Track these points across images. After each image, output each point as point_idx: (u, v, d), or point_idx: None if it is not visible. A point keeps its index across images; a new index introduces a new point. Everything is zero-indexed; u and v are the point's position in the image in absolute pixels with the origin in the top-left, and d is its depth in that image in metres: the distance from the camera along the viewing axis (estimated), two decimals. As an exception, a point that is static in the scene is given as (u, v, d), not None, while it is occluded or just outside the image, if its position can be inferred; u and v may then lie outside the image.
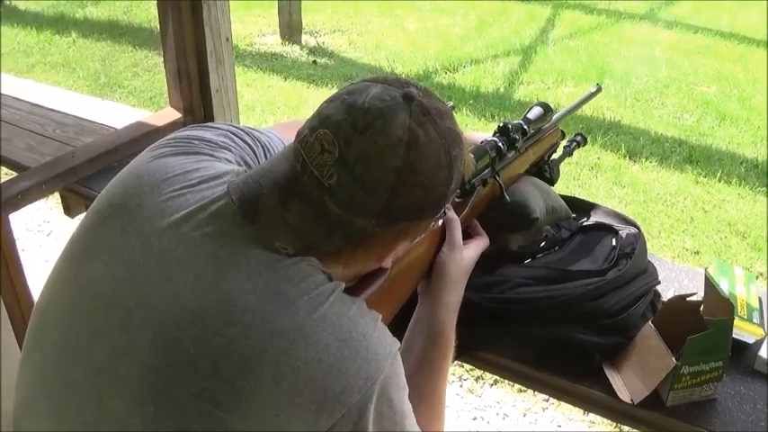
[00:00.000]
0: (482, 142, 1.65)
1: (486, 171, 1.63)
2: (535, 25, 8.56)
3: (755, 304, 1.75)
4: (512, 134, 1.69)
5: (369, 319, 1.23)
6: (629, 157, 5.28)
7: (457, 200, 1.60)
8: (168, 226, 1.24)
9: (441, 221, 1.52)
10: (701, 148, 5.49)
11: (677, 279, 1.88)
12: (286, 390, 1.12)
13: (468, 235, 1.60)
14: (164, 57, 2.81)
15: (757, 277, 3.83)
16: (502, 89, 6.64)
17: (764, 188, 4.98)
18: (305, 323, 1.15)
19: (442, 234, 1.53)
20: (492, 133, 1.70)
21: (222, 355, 1.13)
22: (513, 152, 1.72)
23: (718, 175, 5.08)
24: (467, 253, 1.55)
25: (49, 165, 2.57)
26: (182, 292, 1.18)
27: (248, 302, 1.15)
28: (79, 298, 1.29)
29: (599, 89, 2.08)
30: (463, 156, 1.26)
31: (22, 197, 2.43)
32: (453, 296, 1.51)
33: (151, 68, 6.93)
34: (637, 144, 5.49)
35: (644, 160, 5.25)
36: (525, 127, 1.73)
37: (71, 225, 2.18)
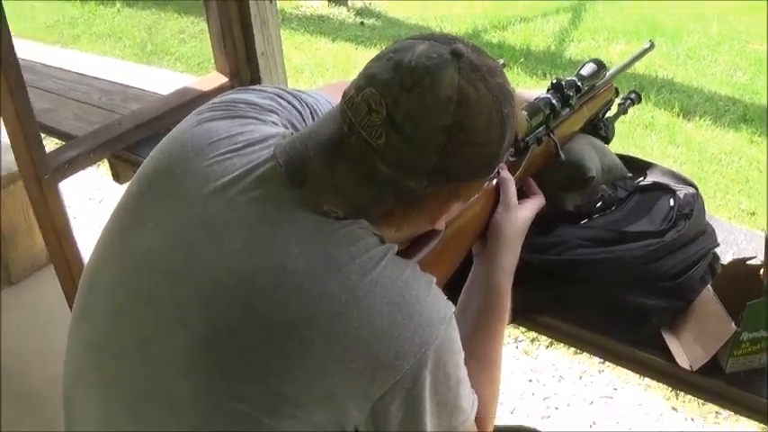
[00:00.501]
0: (535, 99, 1.61)
1: (539, 129, 1.60)
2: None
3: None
4: (565, 91, 1.64)
5: (422, 282, 1.20)
6: (683, 116, 5.17)
7: (511, 159, 1.57)
8: (214, 191, 1.22)
9: (494, 181, 1.49)
10: (755, 107, 5.35)
11: (735, 242, 1.81)
12: (338, 355, 1.10)
13: (523, 194, 1.57)
14: (207, 21, 2.80)
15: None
16: (553, 47, 6.53)
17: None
18: (357, 287, 1.13)
19: (497, 194, 1.51)
20: (545, 90, 1.66)
21: (271, 319, 1.12)
22: (567, 109, 1.68)
23: (775, 134, 4.95)
24: (522, 213, 1.52)
25: (97, 133, 2.58)
26: (229, 258, 1.17)
27: (297, 266, 1.13)
28: (127, 267, 1.28)
29: (652, 46, 2.02)
30: (515, 113, 1.22)
31: (69, 166, 2.44)
32: (509, 257, 1.48)
33: (198, 34, 6.89)
34: (690, 102, 5.36)
35: (698, 119, 5.14)
36: (579, 83, 1.69)
37: (121, 192, 2.19)
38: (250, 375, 1.13)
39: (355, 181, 1.18)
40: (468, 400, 1.25)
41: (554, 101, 1.61)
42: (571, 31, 6.88)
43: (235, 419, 1.14)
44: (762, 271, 1.50)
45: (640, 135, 4.91)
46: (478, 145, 1.17)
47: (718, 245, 1.66)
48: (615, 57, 6.15)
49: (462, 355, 1.23)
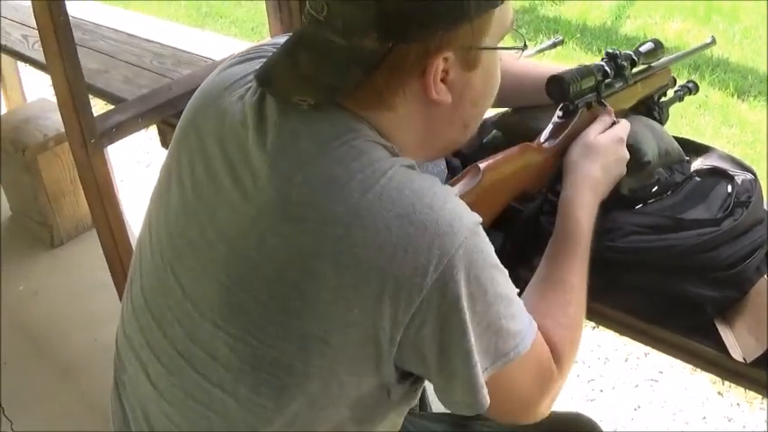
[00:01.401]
0: (589, 65, 1.58)
1: (590, 94, 1.57)
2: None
3: None
4: (619, 61, 1.62)
5: (438, 190, 1.12)
6: (738, 96, 5.09)
7: (558, 120, 1.56)
8: (229, 132, 1.22)
9: (549, 143, 1.52)
10: (814, 87, 5.25)
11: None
12: (351, 282, 1.06)
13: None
14: (262, -14, 2.78)
15: None
16: (609, 23, 6.42)
17: None
18: (359, 204, 1.07)
19: (548, 160, 1.52)
20: (601, 59, 1.63)
21: (280, 256, 1.10)
22: (621, 83, 1.66)
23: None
24: (603, 139, 1.51)
25: (146, 97, 2.57)
26: (242, 199, 1.16)
27: (301, 195, 1.10)
28: (164, 224, 1.29)
29: (713, 41, 2.00)
30: None
31: (117, 130, 2.42)
32: (587, 196, 1.45)
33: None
34: (745, 83, 5.27)
35: (752, 99, 5.07)
36: (634, 57, 1.66)
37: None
38: (273, 320, 1.11)
39: (316, 64, 1.14)
40: (520, 323, 1.17)
41: (607, 68, 1.59)
42: (628, 7, 6.76)
43: (270, 368, 1.13)
44: None
45: (693, 114, 4.84)
46: None
47: (775, 234, 1.60)
48: (671, 34, 6.09)
49: (502, 272, 1.15)
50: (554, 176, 1.52)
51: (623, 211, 1.61)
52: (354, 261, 1.05)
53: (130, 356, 1.36)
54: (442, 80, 1.17)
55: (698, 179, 1.74)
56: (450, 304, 1.07)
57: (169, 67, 2.90)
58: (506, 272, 1.17)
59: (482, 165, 1.43)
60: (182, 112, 2.27)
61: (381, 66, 1.12)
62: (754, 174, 1.72)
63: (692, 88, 1.87)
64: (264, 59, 1.26)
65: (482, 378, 1.12)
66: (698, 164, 1.81)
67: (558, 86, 1.50)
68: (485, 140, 1.79)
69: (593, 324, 1.45)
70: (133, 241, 1.59)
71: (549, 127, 1.56)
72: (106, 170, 2.38)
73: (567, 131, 1.54)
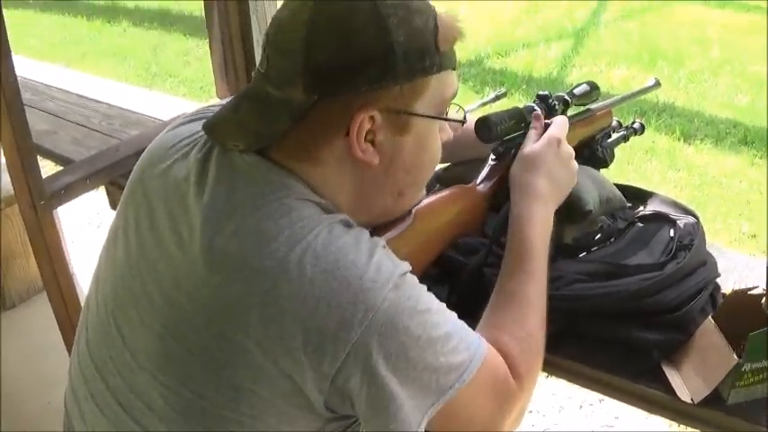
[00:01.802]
0: (516, 106, 1.60)
1: (519, 134, 1.57)
2: (587, 7, 8.40)
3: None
4: (551, 101, 1.63)
5: (364, 246, 1.14)
6: (684, 140, 5.18)
7: (492, 162, 1.58)
8: (172, 188, 1.25)
9: (484, 186, 1.53)
10: (756, 129, 5.36)
11: (736, 269, 1.78)
12: (277, 334, 1.07)
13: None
14: (210, 47, 2.81)
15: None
16: (554, 73, 6.56)
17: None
18: (286, 259, 1.08)
19: (482, 202, 1.53)
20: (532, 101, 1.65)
21: (210, 306, 1.11)
22: None
23: (775, 156, 4.97)
24: (539, 147, 1.51)
25: (94, 158, 2.58)
26: (177, 250, 1.18)
27: (230, 246, 1.12)
28: (110, 278, 1.31)
29: (657, 83, 2.00)
30: (416, 7, 1.18)
31: (66, 192, 2.42)
32: (534, 210, 1.45)
33: (202, 57, 6.95)
34: (691, 126, 5.37)
35: (699, 142, 5.16)
36: (567, 98, 1.68)
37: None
38: (203, 370, 1.12)
39: (252, 111, 1.20)
40: (464, 352, 1.16)
41: (537, 109, 1.60)
42: (573, 56, 6.93)
43: (202, 419, 1.14)
44: (763, 301, 1.48)
45: (641, 160, 4.91)
46: (345, 35, 1.13)
47: (718, 275, 1.63)
48: (617, 81, 6.22)
49: (434, 313, 1.15)
50: (498, 228, 1.52)
51: (566, 261, 1.64)
52: (280, 313, 1.07)
53: (75, 411, 1.36)
54: (371, 141, 1.19)
55: (640, 225, 1.77)
56: (378, 357, 1.08)
57: (117, 127, 2.91)
58: (442, 306, 1.18)
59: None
60: (129, 173, 2.29)
61: (307, 117, 1.16)
62: (696, 217, 1.74)
63: (637, 129, 1.88)
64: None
65: (413, 419, 1.12)
66: (640, 209, 1.84)
67: (485, 127, 1.51)
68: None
69: (545, 374, 1.46)
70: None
71: (485, 170, 1.57)
72: (56, 232, 2.36)
73: (501, 173, 1.55)
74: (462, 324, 1.20)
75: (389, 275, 1.11)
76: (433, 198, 1.47)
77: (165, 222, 1.22)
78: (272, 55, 1.16)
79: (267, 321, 1.07)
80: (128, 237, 1.28)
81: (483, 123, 1.50)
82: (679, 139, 5.19)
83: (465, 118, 1.33)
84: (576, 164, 1.54)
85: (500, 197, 1.55)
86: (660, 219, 1.77)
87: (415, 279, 1.16)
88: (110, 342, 1.27)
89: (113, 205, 2.76)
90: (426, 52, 1.18)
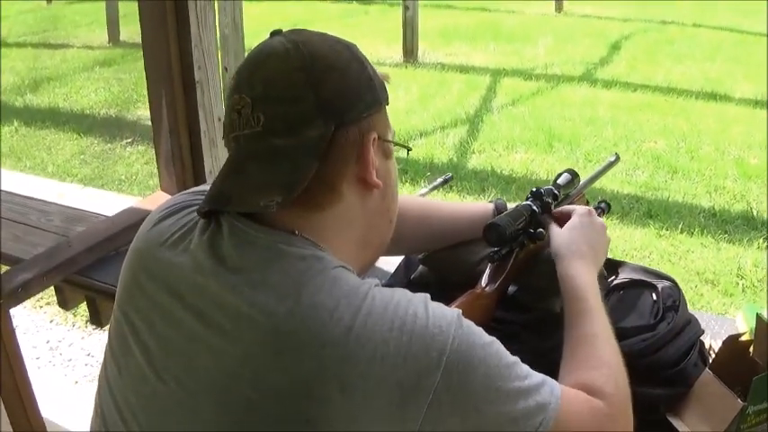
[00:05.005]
0: (516, 206, 1.68)
1: (522, 236, 1.66)
2: (477, 94, 8.73)
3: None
4: (545, 198, 1.72)
5: (416, 299, 1.18)
6: (590, 218, 5.30)
7: (494, 264, 1.65)
8: (182, 284, 1.25)
9: (488, 288, 1.61)
10: (659, 202, 5.61)
11: (708, 326, 1.90)
12: (360, 400, 1.08)
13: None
14: (155, 139, 2.82)
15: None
16: (455, 159, 6.74)
17: (725, 235, 5.13)
18: (353, 325, 1.10)
19: (492, 303, 1.61)
20: (525, 199, 1.73)
21: (282, 389, 1.10)
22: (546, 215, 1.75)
23: (680, 227, 5.20)
24: (574, 221, 1.63)
25: (48, 255, 2.53)
26: (223, 342, 1.16)
27: (290, 325, 1.12)
28: (130, 385, 1.28)
29: (617, 158, 2.13)
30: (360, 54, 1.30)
31: (23, 290, 2.37)
32: (579, 265, 1.54)
33: (99, 155, 6.90)
34: (591, 203, 5.48)
35: (605, 219, 5.23)
36: (556, 192, 1.76)
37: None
38: None
39: (266, 171, 1.21)
40: (537, 376, 1.21)
41: (534, 207, 1.68)
42: (471, 142, 7.11)
43: None
44: (751, 347, 1.61)
45: (548, 239, 5.00)
46: (341, 69, 1.23)
47: (703, 332, 1.73)
48: (517, 165, 6.40)
49: (498, 344, 1.19)
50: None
51: (561, 329, 1.69)
52: (361, 378, 1.08)
53: None
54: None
55: (620, 292, 1.85)
56: (463, 395, 1.12)
57: (58, 224, 2.86)
58: (499, 342, 1.21)
59: None
60: (83, 269, 2.25)
61: (329, 152, 1.21)
62: (673, 281, 1.84)
63: (604, 208, 1.98)
64: (190, 208, 1.33)
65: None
66: (614, 278, 1.91)
67: (495, 232, 1.58)
68: (412, 277, 1.90)
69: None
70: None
71: (488, 271, 1.65)
72: (11, 331, 2.32)
73: (505, 273, 1.64)
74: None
75: (450, 318, 1.15)
76: (454, 305, 1.52)
77: (190, 317, 1.21)
78: (267, 108, 1.19)
79: (349, 389, 1.07)
80: (143, 341, 1.26)
81: (494, 229, 1.58)
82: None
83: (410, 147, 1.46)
84: (608, 236, 1.65)
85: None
86: (639, 285, 1.85)
87: (469, 320, 1.20)
88: None
89: (63, 304, 2.73)
90: (384, 85, 1.31)
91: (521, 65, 10.23)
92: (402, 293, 1.19)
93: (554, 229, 1.64)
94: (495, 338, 1.20)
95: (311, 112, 1.18)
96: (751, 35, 11.80)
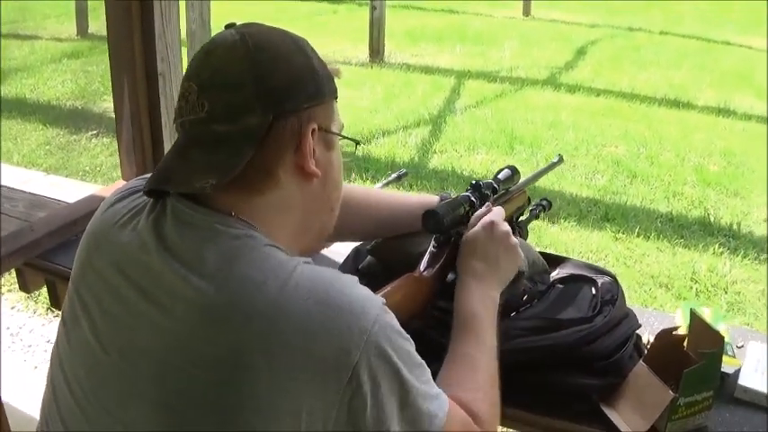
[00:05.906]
0: (456, 197, 1.74)
1: (461, 225, 1.71)
2: (441, 95, 8.79)
3: (728, 338, 1.87)
4: (483, 190, 1.78)
5: (345, 278, 1.25)
6: (548, 219, 5.39)
7: (434, 250, 1.70)
8: (130, 261, 1.30)
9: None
10: (617, 206, 5.70)
11: (648, 322, 1.98)
12: (284, 369, 1.13)
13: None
14: (117, 129, 2.84)
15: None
16: (416, 159, 6.78)
17: (681, 240, 5.21)
18: (279, 297, 1.17)
19: (430, 287, 1.65)
20: (465, 190, 1.79)
21: (212, 359, 1.16)
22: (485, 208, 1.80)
23: (636, 230, 5.28)
24: (473, 233, 1.65)
25: (10, 238, 2.56)
26: (162, 316, 1.22)
27: (220, 299, 1.18)
28: (79, 358, 1.34)
29: (561, 160, 2.23)
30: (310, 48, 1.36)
31: (-18, 273, 2.41)
32: (471, 286, 1.59)
33: (65, 146, 6.90)
34: (553, 206, 5.54)
35: (562, 221, 5.41)
36: (495, 185, 1.83)
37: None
38: (216, 423, 1.16)
39: (208, 153, 1.27)
40: (435, 389, 1.28)
41: (473, 198, 1.74)
42: (433, 142, 7.16)
43: None
44: (685, 341, 1.69)
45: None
46: (284, 60, 1.29)
47: (640, 326, 1.81)
48: (477, 166, 6.48)
49: (411, 342, 1.26)
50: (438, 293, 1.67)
51: (504, 319, 1.74)
52: (284, 349, 1.14)
53: None
54: (313, 155, 1.33)
55: (560, 286, 1.92)
56: (376, 376, 1.17)
57: (22, 209, 2.89)
58: (413, 343, 1.28)
59: None
60: (44, 253, 2.29)
61: (267, 139, 1.27)
62: (612, 276, 1.91)
63: (545, 205, 2.07)
64: (142, 191, 1.37)
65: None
66: (556, 273, 1.99)
67: (433, 220, 1.64)
68: (360, 267, 1.96)
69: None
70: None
71: (427, 257, 1.70)
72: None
73: (443, 260, 1.69)
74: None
75: (375, 302, 1.22)
76: (388, 287, 1.59)
77: (134, 294, 1.27)
78: (211, 95, 1.25)
79: (273, 359, 1.14)
80: (91, 316, 1.32)
81: (432, 216, 1.64)
82: (543, 219, 5.34)
83: (360, 143, 1.52)
84: (514, 239, 1.68)
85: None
86: (579, 279, 1.93)
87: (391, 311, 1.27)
88: (93, 419, 1.29)
89: (24, 287, 2.75)
90: (331, 78, 1.37)
91: (486, 67, 10.31)
92: (331, 272, 1.26)
93: (465, 234, 1.68)
94: (410, 337, 1.26)
95: (251, 101, 1.25)
96: (717, 44, 12.00)
